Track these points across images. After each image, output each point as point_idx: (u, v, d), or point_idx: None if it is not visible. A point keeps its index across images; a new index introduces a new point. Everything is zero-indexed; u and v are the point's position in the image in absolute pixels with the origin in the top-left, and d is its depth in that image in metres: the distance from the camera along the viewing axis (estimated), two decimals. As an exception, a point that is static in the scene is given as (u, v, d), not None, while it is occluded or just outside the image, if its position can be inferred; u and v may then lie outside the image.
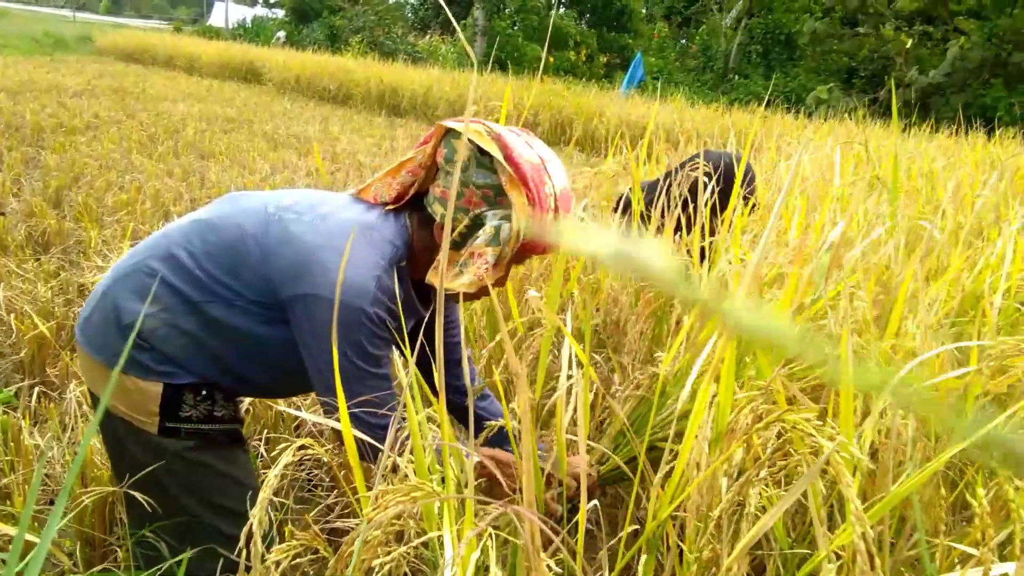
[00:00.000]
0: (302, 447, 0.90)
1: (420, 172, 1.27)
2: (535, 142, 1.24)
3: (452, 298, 1.35)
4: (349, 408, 1.06)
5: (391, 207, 1.29)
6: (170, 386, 1.25)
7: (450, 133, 1.21)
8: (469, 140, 1.17)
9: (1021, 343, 1.34)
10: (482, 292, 1.27)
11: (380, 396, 1.19)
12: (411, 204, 1.30)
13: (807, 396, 1.48)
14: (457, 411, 1.61)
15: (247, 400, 2.19)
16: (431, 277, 1.23)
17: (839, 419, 1.00)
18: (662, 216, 1.94)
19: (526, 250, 1.23)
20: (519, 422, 0.83)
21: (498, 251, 1.19)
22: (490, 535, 0.78)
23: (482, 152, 1.18)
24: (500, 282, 1.27)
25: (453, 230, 1.21)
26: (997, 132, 7.69)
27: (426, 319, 1.40)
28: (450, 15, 0.90)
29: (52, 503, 1.88)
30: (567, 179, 1.24)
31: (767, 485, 1.06)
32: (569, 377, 1.09)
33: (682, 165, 2.35)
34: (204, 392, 1.28)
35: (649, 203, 2.21)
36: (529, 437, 0.72)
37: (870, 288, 1.38)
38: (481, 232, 1.20)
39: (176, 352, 1.24)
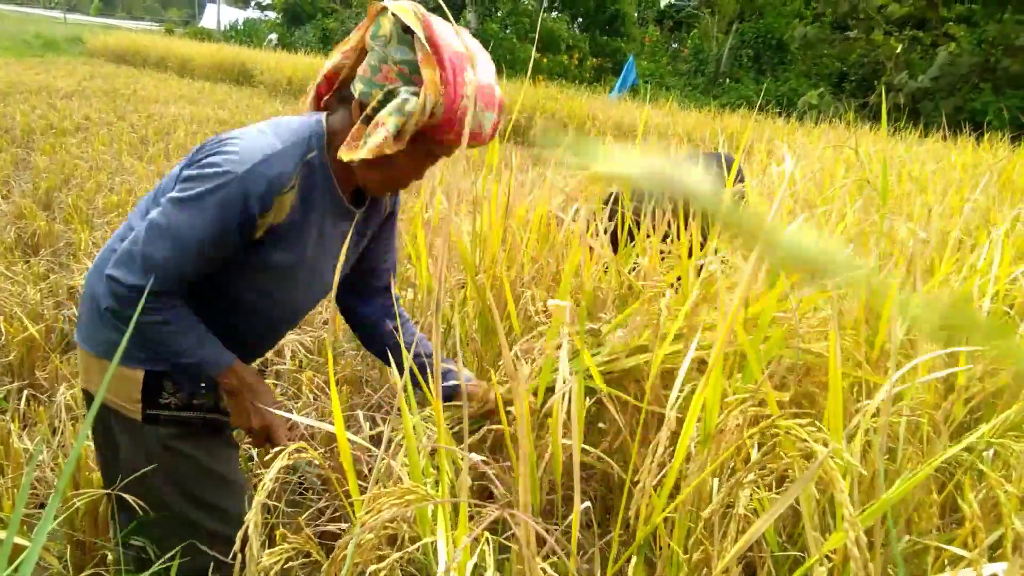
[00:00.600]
0: (295, 450, 0.90)
1: (352, 55, 1.25)
2: (468, 37, 1.22)
3: (372, 195, 1.39)
4: (112, 264, 1.17)
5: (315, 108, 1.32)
6: (151, 373, 1.28)
7: (382, 12, 1.19)
8: (393, 15, 1.16)
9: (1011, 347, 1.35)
10: (390, 180, 1.30)
11: (162, 277, 1.17)
12: (338, 98, 1.30)
13: (796, 398, 1.49)
14: (372, 339, 1.63)
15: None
16: (341, 152, 1.19)
17: (828, 422, 1.01)
18: (653, 220, 1.95)
19: (434, 133, 1.19)
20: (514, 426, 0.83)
21: (401, 122, 1.14)
22: (487, 540, 0.78)
23: (406, 30, 1.16)
24: (414, 173, 1.30)
25: (367, 105, 1.19)
26: (986, 136, 7.75)
27: (360, 233, 1.43)
28: (449, 14, 0.90)
29: (42, 507, 1.87)
30: (495, 81, 1.24)
31: (757, 487, 1.06)
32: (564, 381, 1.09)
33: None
34: (183, 381, 1.30)
35: (639, 205, 2.23)
36: (527, 441, 0.72)
37: (863, 290, 1.39)
38: (390, 104, 1.17)
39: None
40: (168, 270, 1.17)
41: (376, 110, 1.18)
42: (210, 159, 1.17)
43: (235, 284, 1.30)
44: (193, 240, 1.16)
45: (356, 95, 1.21)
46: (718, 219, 0.24)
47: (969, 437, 1.15)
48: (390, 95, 1.17)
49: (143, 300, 1.12)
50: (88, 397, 1.42)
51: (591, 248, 1.89)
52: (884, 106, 2.09)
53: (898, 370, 1.11)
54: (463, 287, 2.32)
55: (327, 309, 2.84)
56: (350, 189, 1.33)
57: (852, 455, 1.08)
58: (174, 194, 1.18)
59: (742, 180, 2.47)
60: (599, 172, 0.26)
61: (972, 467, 1.22)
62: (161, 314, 1.19)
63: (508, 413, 1.38)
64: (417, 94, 1.15)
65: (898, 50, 15.63)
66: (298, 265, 1.30)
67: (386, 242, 1.57)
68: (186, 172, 1.19)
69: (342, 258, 1.09)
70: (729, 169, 2.42)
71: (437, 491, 0.92)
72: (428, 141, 1.21)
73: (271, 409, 1.27)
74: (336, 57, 1.27)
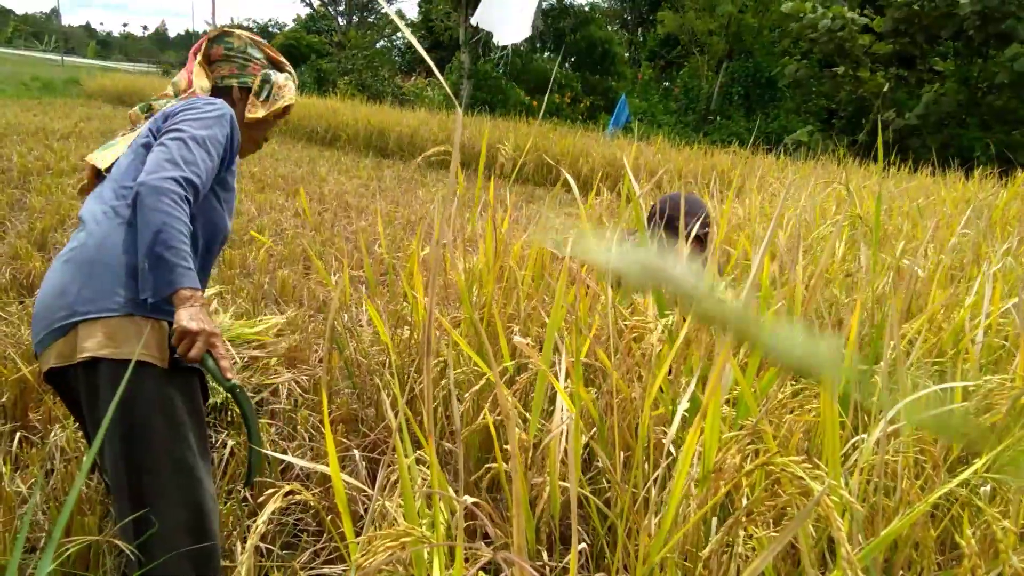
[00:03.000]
0: (289, 492, 0.89)
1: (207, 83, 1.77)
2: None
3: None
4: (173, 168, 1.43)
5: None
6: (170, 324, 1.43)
7: (216, 39, 1.78)
8: (237, 34, 1.80)
9: (1005, 381, 1.35)
10: (253, 141, 1.86)
11: (200, 179, 1.48)
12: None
13: (794, 435, 1.48)
14: None
15: (230, 444, 2.17)
16: (249, 111, 1.77)
17: (826, 459, 1.01)
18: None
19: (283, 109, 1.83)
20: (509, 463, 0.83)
21: (293, 89, 1.84)
22: (481, 581, 0.77)
23: (252, 41, 1.81)
24: (262, 138, 1.89)
25: (250, 89, 1.79)
26: (976, 172, 7.84)
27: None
28: (431, 63, 0.91)
29: (34, 550, 1.84)
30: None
31: (756, 525, 1.06)
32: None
33: (662, 215, 2.41)
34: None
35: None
36: (521, 482, 0.72)
37: (853, 324, 1.40)
38: (274, 79, 1.79)
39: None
40: (205, 173, 1.49)
41: (261, 88, 1.78)
42: (203, 107, 1.58)
43: (206, 204, 1.60)
44: (219, 146, 1.55)
45: (235, 85, 1.78)
46: (701, 312, 0.24)
47: (964, 473, 1.15)
48: (265, 77, 1.78)
49: (183, 192, 1.41)
50: (87, 369, 1.39)
51: (587, 285, 1.90)
52: (880, 141, 2.12)
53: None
54: (458, 325, 2.32)
55: (321, 348, 2.83)
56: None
57: (850, 492, 1.08)
58: (193, 125, 1.53)
59: (707, 223, 2.49)
60: (586, 262, 0.26)
61: (969, 503, 1.22)
62: (185, 213, 1.41)
63: (504, 451, 1.38)
64: (284, 72, 1.85)
65: (885, 88, 15.89)
66: (233, 194, 1.72)
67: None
68: (187, 115, 1.55)
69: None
70: (694, 210, 2.46)
71: (432, 533, 0.91)
72: (281, 114, 1.84)
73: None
74: (188, 75, 1.79)
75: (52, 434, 2.02)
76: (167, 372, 1.43)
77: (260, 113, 1.75)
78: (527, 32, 4.22)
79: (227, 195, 1.67)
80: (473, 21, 4.42)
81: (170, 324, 1.41)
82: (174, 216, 1.38)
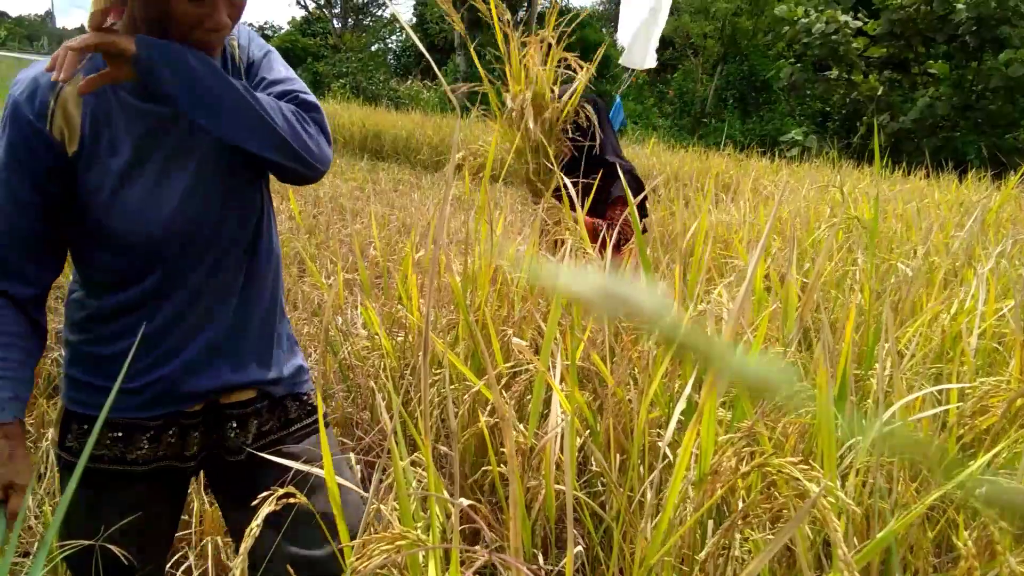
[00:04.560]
0: (284, 496, 0.88)
1: None
2: None
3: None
4: None
5: None
6: (66, 409, 1.17)
7: None
8: None
9: (1000, 383, 1.35)
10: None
11: None
12: None
13: (790, 438, 1.48)
14: None
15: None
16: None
17: (822, 461, 1.00)
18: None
19: None
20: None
21: None
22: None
23: None
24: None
25: None
26: (969, 175, 7.87)
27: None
28: (432, 62, 0.91)
29: (27, 555, 1.83)
30: None
31: (752, 527, 1.06)
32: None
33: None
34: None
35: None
36: (518, 485, 0.71)
37: (848, 329, 1.40)
38: None
39: None
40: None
41: None
42: None
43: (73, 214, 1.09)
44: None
45: None
46: (669, 339, 0.24)
47: (961, 474, 1.15)
48: None
49: None
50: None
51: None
52: (876, 143, 2.13)
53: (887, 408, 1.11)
54: (454, 328, 2.31)
55: (316, 351, 2.83)
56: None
57: (846, 494, 1.08)
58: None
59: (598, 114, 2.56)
60: (553, 290, 0.26)
61: (966, 504, 1.22)
62: None
63: (500, 453, 1.37)
64: None
65: (879, 92, 15.95)
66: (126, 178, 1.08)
67: None
68: None
69: None
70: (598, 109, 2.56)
71: (428, 536, 0.91)
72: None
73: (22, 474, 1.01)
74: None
75: (46, 437, 2.01)
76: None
77: None
78: (655, 62, 4.35)
79: (100, 187, 1.05)
80: (623, 62, 4.52)
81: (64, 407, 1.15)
82: None
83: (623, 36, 4.42)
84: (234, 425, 1.18)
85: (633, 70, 4.65)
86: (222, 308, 1.15)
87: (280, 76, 1.16)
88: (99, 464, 1.14)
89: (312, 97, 1.14)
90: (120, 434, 1.13)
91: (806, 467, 0.80)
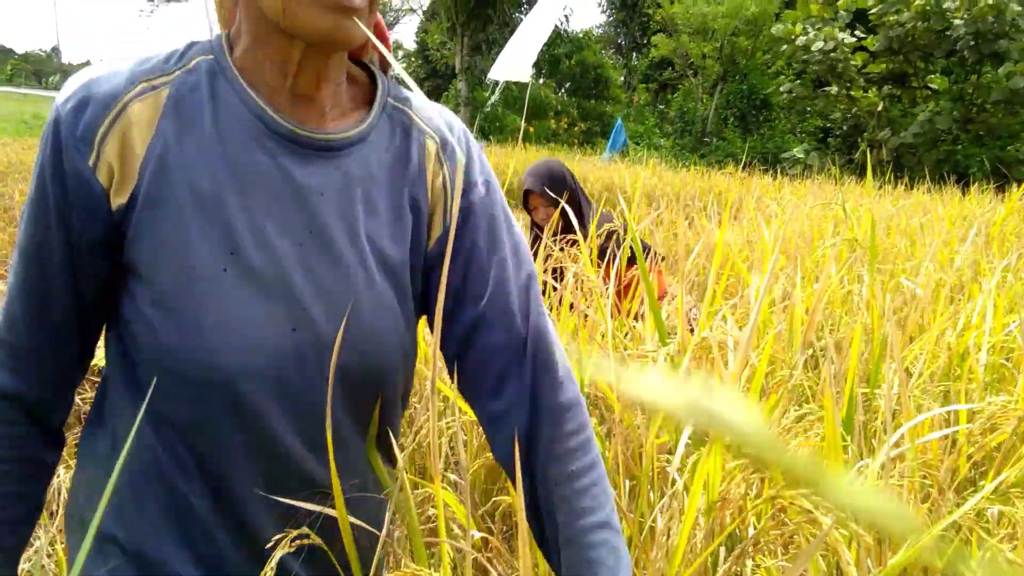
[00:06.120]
0: (297, 537, 0.89)
1: None
2: None
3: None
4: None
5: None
6: None
7: None
8: None
9: (1009, 403, 1.35)
10: None
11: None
12: None
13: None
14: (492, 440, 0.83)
15: None
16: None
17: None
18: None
19: None
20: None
21: None
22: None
23: None
24: None
25: None
26: (972, 187, 7.89)
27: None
28: (421, 93, 0.86)
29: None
30: None
31: (763, 554, 1.05)
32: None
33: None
34: None
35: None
36: (522, 520, 0.72)
37: (854, 352, 1.40)
38: None
39: None
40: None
41: None
42: None
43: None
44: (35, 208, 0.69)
45: None
46: (761, 459, 0.23)
47: (972, 497, 1.14)
48: None
49: None
50: None
51: (585, 315, 1.90)
52: (869, 163, 2.14)
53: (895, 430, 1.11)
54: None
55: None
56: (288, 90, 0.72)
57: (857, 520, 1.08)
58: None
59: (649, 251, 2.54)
60: (640, 402, 0.25)
61: (977, 525, 1.21)
62: None
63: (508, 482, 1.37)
64: None
65: (879, 107, 16.02)
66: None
67: (468, 243, 0.79)
68: None
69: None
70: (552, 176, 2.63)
71: (440, 573, 0.91)
72: None
73: None
74: None
75: (56, 474, 2.02)
76: None
77: None
78: (527, 74, 4.14)
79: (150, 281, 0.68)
80: (493, 74, 4.32)
81: None
82: None
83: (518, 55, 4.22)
84: None
85: (502, 82, 4.63)
86: None
87: (507, 247, 0.80)
88: None
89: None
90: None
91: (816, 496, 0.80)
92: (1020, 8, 13.71)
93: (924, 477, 1.22)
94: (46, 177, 0.66)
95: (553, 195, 2.56)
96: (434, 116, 0.81)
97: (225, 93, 0.69)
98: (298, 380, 0.70)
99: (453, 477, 1.99)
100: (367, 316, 0.73)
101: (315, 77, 0.71)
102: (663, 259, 2.63)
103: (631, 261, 2.46)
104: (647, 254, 2.49)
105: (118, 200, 0.67)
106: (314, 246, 0.70)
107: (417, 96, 0.80)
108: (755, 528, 1.05)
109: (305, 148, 0.70)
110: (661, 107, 26.67)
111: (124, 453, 0.46)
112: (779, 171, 12.90)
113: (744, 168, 11.86)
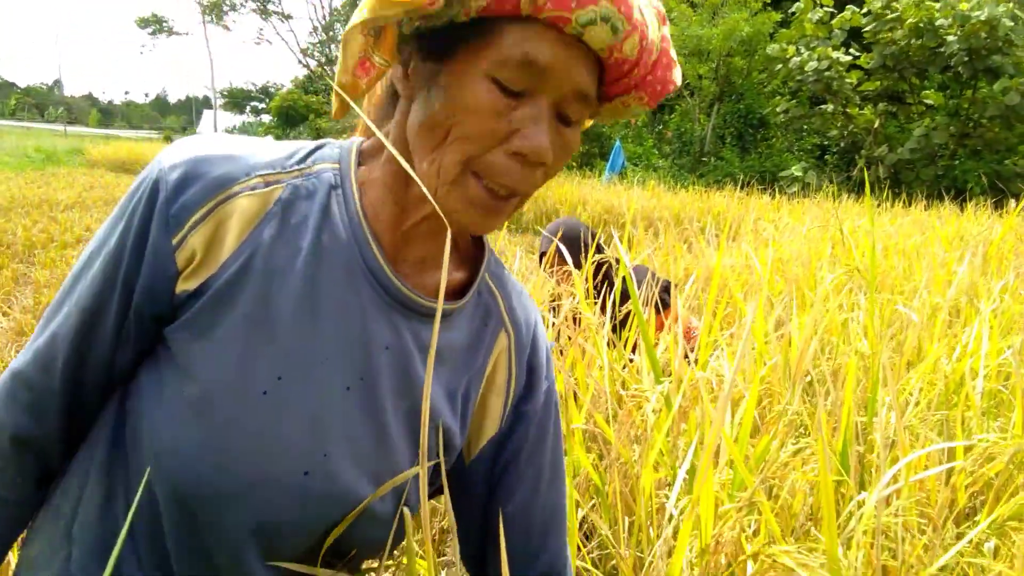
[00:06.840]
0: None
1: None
2: None
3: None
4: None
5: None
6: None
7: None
8: None
9: (1004, 435, 1.36)
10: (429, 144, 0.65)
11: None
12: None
13: (796, 496, 1.48)
14: None
15: None
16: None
17: (824, 531, 1.01)
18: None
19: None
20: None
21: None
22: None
23: None
24: (477, 119, 0.61)
25: None
26: (970, 204, 7.91)
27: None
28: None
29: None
30: None
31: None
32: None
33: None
34: None
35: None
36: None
37: (848, 386, 1.41)
38: None
39: None
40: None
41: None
42: None
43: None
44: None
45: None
46: None
47: (969, 532, 1.15)
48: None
49: None
50: None
51: (583, 349, 1.91)
52: (867, 180, 2.16)
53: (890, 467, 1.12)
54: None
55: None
56: (414, 252, 0.71)
57: (852, 557, 1.08)
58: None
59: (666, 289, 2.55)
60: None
61: (975, 557, 1.21)
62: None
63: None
64: None
65: (876, 124, 16.10)
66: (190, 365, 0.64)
67: (527, 449, 0.81)
68: None
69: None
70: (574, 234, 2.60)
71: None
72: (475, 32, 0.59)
73: None
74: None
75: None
76: None
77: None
78: None
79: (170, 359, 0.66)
80: None
81: None
82: None
83: None
84: None
85: None
86: None
87: (546, 462, 0.83)
88: None
89: None
90: None
91: (803, 553, 0.81)
92: (1012, 24, 13.81)
93: (920, 515, 1.22)
94: (127, 240, 0.63)
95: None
96: (516, 307, 0.80)
97: (337, 211, 0.67)
98: (289, 528, 0.66)
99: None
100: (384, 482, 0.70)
101: (432, 237, 0.70)
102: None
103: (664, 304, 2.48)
104: (667, 294, 2.50)
105: (187, 285, 0.63)
106: (360, 395, 0.67)
107: (507, 275, 0.81)
108: (751, 568, 1.06)
109: (393, 301, 0.68)
110: (659, 128, 26.80)
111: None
112: (778, 190, 12.95)
113: (742, 188, 11.90)
